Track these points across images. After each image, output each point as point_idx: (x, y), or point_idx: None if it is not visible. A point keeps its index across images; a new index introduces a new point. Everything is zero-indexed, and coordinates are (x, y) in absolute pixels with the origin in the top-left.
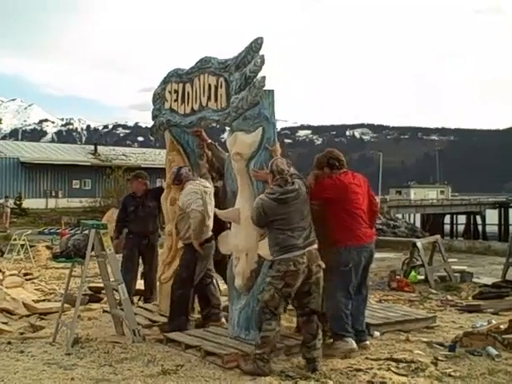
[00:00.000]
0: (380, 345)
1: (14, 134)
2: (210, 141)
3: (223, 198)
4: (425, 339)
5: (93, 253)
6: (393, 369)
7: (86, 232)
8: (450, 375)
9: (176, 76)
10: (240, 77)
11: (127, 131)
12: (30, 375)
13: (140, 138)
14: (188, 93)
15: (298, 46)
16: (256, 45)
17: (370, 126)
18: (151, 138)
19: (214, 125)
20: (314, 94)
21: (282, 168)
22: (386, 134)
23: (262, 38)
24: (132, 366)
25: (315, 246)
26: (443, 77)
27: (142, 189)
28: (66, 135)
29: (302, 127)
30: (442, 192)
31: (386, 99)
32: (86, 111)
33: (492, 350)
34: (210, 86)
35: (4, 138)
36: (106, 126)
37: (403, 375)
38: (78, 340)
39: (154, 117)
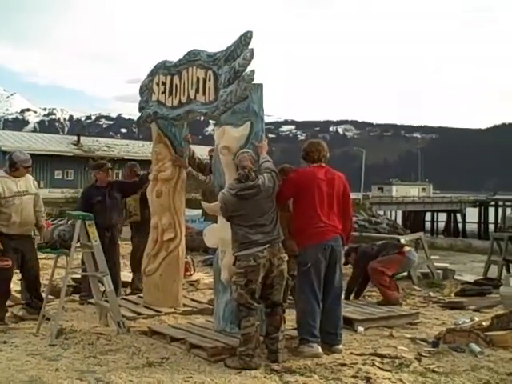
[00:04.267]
0: (364, 340)
1: None
2: (189, 169)
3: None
4: (408, 335)
5: (78, 244)
6: (377, 364)
7: (71, 223)
8: (433, 371)
9: (164, 68)
10: (229, 70)
11: (110, 122)
12: (14, 366)
13: (123, 130)
14: (176, 85)
15: (283, 41)
16: (245, 38)
17: (354, 123)
18: (134, 130)
19: (200, 118)
20: (298, 90)
21: (244, 164)
22: (369, 130)
23: (251, 32)
24: (117, 357)
25: (278, 242)
26: (428, 75)
27: (106, 179)
28: (49, 125)
29: (286, 122)
30: (423, 189)
31: (369, 96)
32: (70, 102)
33: (475, 347)
34: (198, 78)
35: None
36: (89, 117)
37: (387, 370)
38: (62, 331)
39: (141, 108)
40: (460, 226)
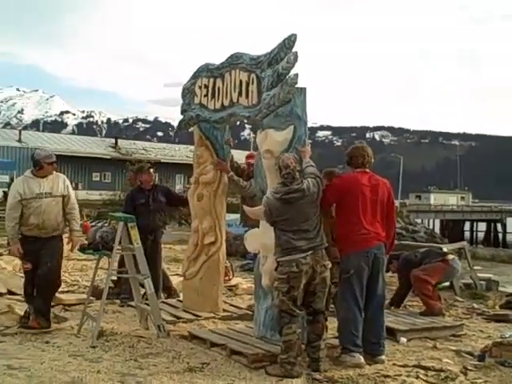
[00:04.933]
0: (407, 351)
1: (35, 125)
2: (231, 173)
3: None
4: (453, 347)
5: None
6: (422, 376)
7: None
8: None
9: (206, 71)
10: (272, 73)
11: (147, 126)
12: (57, 366)
13: (160, 133)
14: (218, 88)
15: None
16: (289, 42)
17: (390, 129)
18: (171, 134)
19: (244, 121)
20: (335, 95)
21: (287, 163)
22: (406, 137)
23: (295, 35)
24: (157, 361)
25: (321, 249)
26: (467, 81)
27: (150, 181)
28: (87, 128)
29: (322, 128)
30: (462, 198)
31: (407, 102)
32: (107, 104)
33: None
34: (241, 81)
35: (25, 128)
36: (126, 120)
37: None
38: (102, 333)
39: (183, 111)
40: (500, 236)
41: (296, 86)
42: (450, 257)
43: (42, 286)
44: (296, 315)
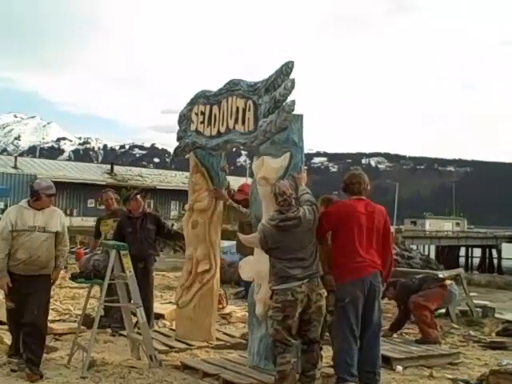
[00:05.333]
0: (403, 380)
1: (32, 151)
2: (230, 201)
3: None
4: (449, 376)
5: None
6: None
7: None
8: None
9: (203, 97)
10: (269, 100)
11: (144, 152)
12: None
13: (156, 160)
14: (215, 115)
15: (315, 72)
16: (287, 68)
17: (386, 155)
18: (167, 160)
19: (240, 147)
20: (330, 121)
21: (283, 190)
22: (402, 163)
23: (292, 62)
24: None
25: (317, 277)
26: (461, 108)
27: (138, 208)
28: (83, 154)
29: (318, 154)
30: (457, 224)
31: (402, 129)
32: (104, 131)
33: None
34: (237, 108)
35: (22, 154)
36: (122, 146)
37: None
38: (93, 363)
39: (179, 138)
40: (495, 261)
41: (293, 112)
42: (448, 282)
43: (29, 334)
44: (291, 345)
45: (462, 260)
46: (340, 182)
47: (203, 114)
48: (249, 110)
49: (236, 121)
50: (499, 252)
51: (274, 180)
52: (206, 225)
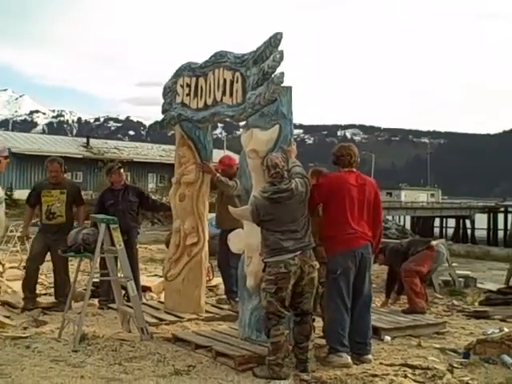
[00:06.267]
0: (392, 350)
1: (4, 125)
2: (218, 175)
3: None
4: (437, 345)
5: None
6: (410, 375)
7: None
8: (467, 383)
9: (188, 70)
10: (258, 72)
11: (119, 125)
12: (38, 372)
13: (131, 132)
14: (201, 87)
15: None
16: (275, 40)
17: (361, 127)
18: (142, 133)
19: (228, 120)
20: (306, 93)
21: (276, 162)
22: (377, 135)
23: (281, 33)
24: (142, 365)
25: (309, 249)
26: (436, 80)
27: (120, 181)
28: (57, 127)
29: (294, 126)
30: (432, 195)
31: (377, 101)
32: (78, 103)
33: (507, 359)
34: (225, 80)
35: None
36: (97, 119)
37: (421, 382)
38: (84, 337)
39: (165, 111)
40: (469, 232)
41: (282, 84)
42: (434, 242)
43: None
44: (284, 316)
45: (436, 230)
46: (331, 155)
47: (189, 86)
48: (236, 81)
49: (223, 93)
50: (473, 222)
51: (264, 152)
52: (193, 198)
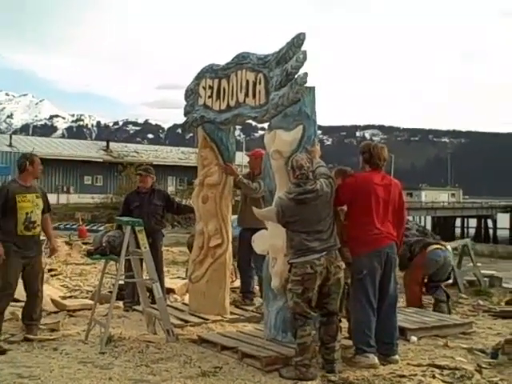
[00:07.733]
0: (419, 350)
1: (24, 129)
2: (240, 177)
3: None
4: (464, 345)
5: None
6: (438, 376)
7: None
8: None
9: (211, 71)
10: (281, 73)
11: (137, 128)
12: (67, 374)
13: (150, 135)
14: (224, 89)
15: (313, 43)
16: (298, 40)
17: (381, 128)
18: (161, 136)
19: (251, 121)
20: (325, 94)
21: (301, 163)
22: (396, 135)
23: (304, 34)
24: (169, 366)
25: (335, 249)
26: (456, 79)
27: (145, 184)
28: (77, 131)
29: None
30: (453, 195)
31: (397, 101)
32: (98, 108)
33: None
34: (247, 81)
35: (15, 132)
36: (116, 123)
37: (449, 383)
38: (110, 339)
39: (187, 113)
40: (491, 231)
41: (305, 85)
42: (429, 248)
43: None
44: (310, 317)
45: (457, 230)
46: (362, 152)
47: (211, 88)
48: (259, 83)
49: (246, 94)
50: (494, 222)
51: (288, 153)
52: (216, 199)
